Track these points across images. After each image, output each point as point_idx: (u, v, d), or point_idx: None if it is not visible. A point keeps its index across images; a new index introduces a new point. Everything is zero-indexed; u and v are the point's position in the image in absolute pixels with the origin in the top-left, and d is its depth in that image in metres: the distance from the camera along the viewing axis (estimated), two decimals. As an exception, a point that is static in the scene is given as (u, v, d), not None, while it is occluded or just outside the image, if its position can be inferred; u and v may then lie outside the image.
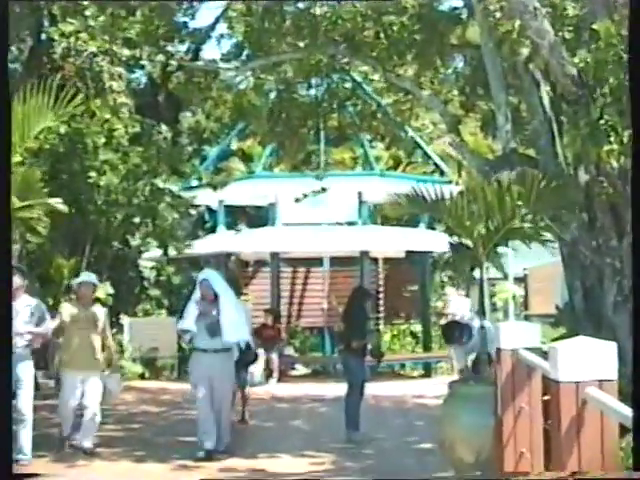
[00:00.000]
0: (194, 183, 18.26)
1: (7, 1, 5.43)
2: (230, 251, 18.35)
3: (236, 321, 9.12)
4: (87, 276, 9.74)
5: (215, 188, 16.12)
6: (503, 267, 8.97)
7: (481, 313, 8.34)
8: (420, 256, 18.90)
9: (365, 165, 20.87)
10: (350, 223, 18.60)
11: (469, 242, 8.05)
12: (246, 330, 9.65)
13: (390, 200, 8.98)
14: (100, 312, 9.49)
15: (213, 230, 20.08)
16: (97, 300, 10.07)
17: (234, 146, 24.59)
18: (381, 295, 19.02)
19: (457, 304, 16.81)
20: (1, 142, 5.08)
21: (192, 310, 9.18)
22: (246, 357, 10.08)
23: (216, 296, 9.13)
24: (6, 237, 5.09)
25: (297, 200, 14.87)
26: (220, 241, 18.27)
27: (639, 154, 5.12)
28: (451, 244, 8.34)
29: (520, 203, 7.74)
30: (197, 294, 9.26)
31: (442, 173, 19.78)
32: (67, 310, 9.37)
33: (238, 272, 18.52)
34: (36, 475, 7.97)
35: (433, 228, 18.73)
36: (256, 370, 13.08)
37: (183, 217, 16.31)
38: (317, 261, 18.98)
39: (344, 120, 14.68)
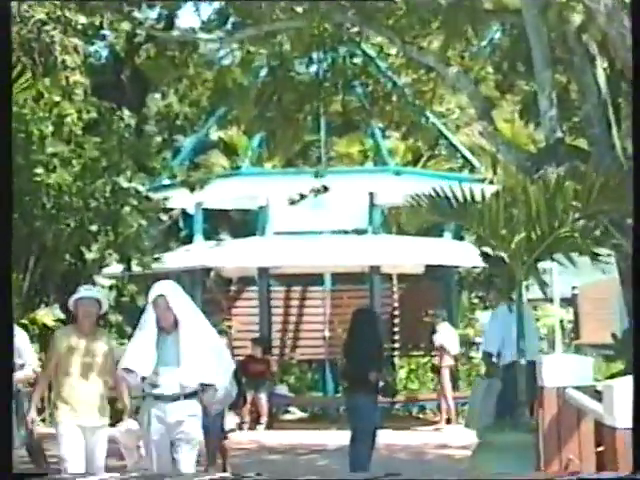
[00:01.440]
0: (165, 182, 18.28)
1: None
2: (209, 266, 18.36)
3: (200, 358, 8.06)
4: (88, 291, 8.83)
5: (192, 188, 16.14)
6: (547, 285, 8.99)
7: (520, 343, 8.33)
8: (444, 272, 18.91)
9: (377, 160, 20.90)
10: (358, 231, 18.62)
11: (505, 255, 8.07)
12: (213, 370, 8.30)
13: (408, 203, 9.00)
14: (107, 340, 8.88)
15: (189, 240, 20.10)
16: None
17: (214, 136, 24.65)
18: (396, 320, 19.02)
19: (446, 335, 17.14)
20: (2, 142, 5.15)
21: (140, 340, 8.17)
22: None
23: (176, 320, 8.05)
24: (6, 241, 5.14)
25: (292, 202, 14.87)
26: (197, 254, 18.27)
27: None
28: (483, 257, 8.35)
29: (575, 204, 7.74)
30: (149, 317, 8.16)
31: (472, 169, 19.82)
32: (62, 338, 8.60)
33: (219, 292, 18.53)
34: (37, 475, 7.96)
35: (461, 238, 18.74)
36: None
37: (151, 224, 16.29)
38: (317, 278, 18.99)
39: (350, 104, 14.69)
